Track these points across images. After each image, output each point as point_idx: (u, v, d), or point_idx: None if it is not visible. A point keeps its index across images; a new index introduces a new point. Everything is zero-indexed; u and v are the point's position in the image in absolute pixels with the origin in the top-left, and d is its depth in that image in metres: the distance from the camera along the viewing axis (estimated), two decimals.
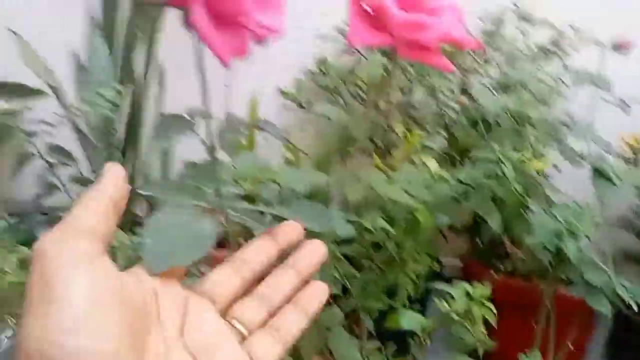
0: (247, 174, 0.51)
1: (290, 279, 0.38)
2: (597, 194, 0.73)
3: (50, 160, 0.85)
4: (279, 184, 0.52)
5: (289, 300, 0.38)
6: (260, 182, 0.51)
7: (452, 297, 0.53)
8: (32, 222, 1.07)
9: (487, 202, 0.55)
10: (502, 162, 0.53)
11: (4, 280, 0.77)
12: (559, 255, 0.80)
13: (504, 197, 0.56)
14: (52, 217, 1.03)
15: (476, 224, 1.04)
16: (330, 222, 0.45)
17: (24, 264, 0.81)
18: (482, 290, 0.51)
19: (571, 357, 0.86)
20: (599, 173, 0.73)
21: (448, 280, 0.97)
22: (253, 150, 1.03)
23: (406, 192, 0.51)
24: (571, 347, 0.81)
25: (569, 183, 0.87)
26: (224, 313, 0.35)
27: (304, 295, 0.38)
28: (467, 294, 0.52)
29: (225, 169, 0.55)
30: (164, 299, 0.32)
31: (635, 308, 0.76)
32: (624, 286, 0.77)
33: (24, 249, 0.94)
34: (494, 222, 0.57)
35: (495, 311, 0.52)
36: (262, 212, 0.50)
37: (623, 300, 0.77)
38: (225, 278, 0.36)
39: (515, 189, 0.55)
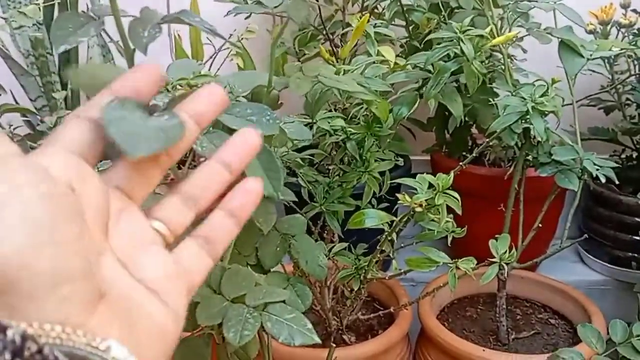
0: (177, 80, 0.46)
1: (218, 176, 0.33)
2: (565, 67, 0.70)
3: None
4: None
5: (218, 199, 0.33)
6: (193, 87, 0.46)
7: (416, 191, 0.51)
8: None
9: (448, 87, 0.50)
10: (461, 41, 0.49)
11: None
12: (526, 136, 0.78)
13: (466, 80, 0.52)
14: None
15: (443, 117, 1.01)
16: (277, 124, 0.41)
17: None
18: (444, 180, 0.49)
19: (542, 235, 0.87)
20: (567, 46, 0.69)
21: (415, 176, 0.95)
22: (200, 60, 0.96)
23: (359, 84, 0.46)
24: (540, 226, 0.82)
25: (537, 66, 0.84)
26: (146, 212, 0.31)
27: (234, 197, 0.33)
28: (430, 185, 0.49)
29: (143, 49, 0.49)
30: (83, 195, 0.27)
31: (602, 180, 0.76)
32: (592, 161, 0.76)
33: None
34: (456, 108, 0.54)
35: (458, 198, 0.50)
36: None
37: (591, 174, 0.76)
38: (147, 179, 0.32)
39: (477, 69, 0.51)
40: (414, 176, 1.02)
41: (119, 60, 0.99)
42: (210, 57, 1.00)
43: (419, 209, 0.49)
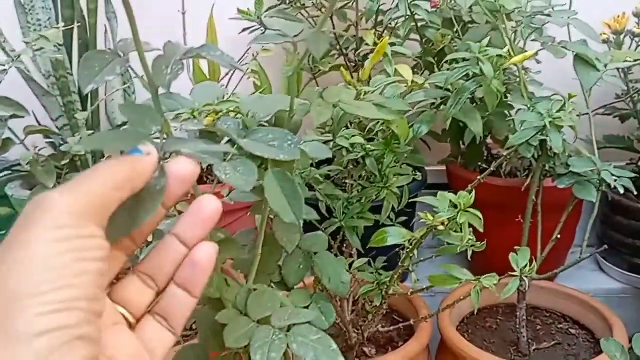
0: (204, 106, 0.47)
1: (174, 252, 0.33)
2: (581, 80, 0.70)
3: (1, 113, 0.80)
4: (242, 114, 0.48)
5: (174, 274, 0.33)
6: (219, 114, 0.47)
7: (436, 209, 0.51)
8: None
9: (467, 105, 0.51)
10: (480, 61, 0.49)
11: None
12: (543, 148, 0.79)
13: (485, 98, 0.52)
14: (18, 173, 0.99)
15: (458, 128, 1.01)
16: (298, 150, 0.42)
17: None
18: (465, 198, 0.49)
19: (560, 245, 0.87)
20: (581, 59, 0.69)
21: (435, 187, 0.96)
22: (217, 79, 0.97)
23: (379, 105, 0.47)
24: (559, 237, 0.82)
25: (551, 77, 0.84)
26: (108, 293, 0.33)
27: (183, 270, 0.33)
28: (452, 204, 0.50)
29: (182, 103, 0.50)
30: None
31: (621, 190, 0.76)
32: (609, 172, 0.76)
33: None
34: (476, 126, 0.54)
35: (480, 216, 0.51)
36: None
37: (609, 185, 0.76)
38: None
39: (496, 88, 0.52)
40: (430, 187, 1.03)
41: (139, 87, 1.01)
42: (227, 75, 1.02)
43: (441, 227, 0.50)
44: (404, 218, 0.77)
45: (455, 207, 0.50)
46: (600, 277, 1.12)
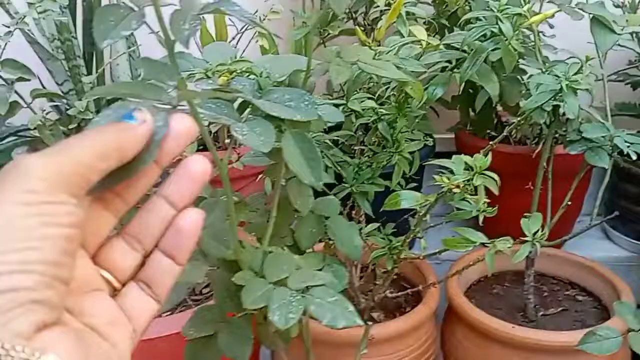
0: (218, 66, 0.46)
1: (162, 214, 0.32)
2: (597, 43, 0.69)
3: (7, 76, 0.78)
4: (255, 75, 0.47)
5: (160, 236, 0.32)
6: (234, 73, 0.46)
7: (452, 172, 0.51)
8: (4, 144, 1.02)
9: (483, 67, 0.50)
10: (499, 20, 0.48)
11: None
12: (555, 114, 0.78)
13: (502, 59, 0.51)
14: (24, 138, 0.98)
15: (468, 95, 1.00)
16: (315, 110, 0.41)
17: None
18: (481, 160, 0.49)
19: (568, 212, 0.87)
20: (598, 22, 0.68)
21: (442, 155, 0.95)
22: (224, 40, 0.96)
23: (395, 66, 0.46)
24: (569, 204, 0.82)
25: (563, 42, 0.82)
26: (93, 256, 0.31)
27: (169, 236, 0.32)
28: (467, 166, 0.49)
29: (194, 63, 0.50)
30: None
31: (633, 157, 0.75)
32: (622, 138, 0.75)
33: None
34: (492, 88, 0.53)
35: (497, 178, 0.50)
36: (240, 107, 0.46)
37: (621, 152, 0.76)
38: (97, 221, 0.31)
39: (515, 49, 0.50)
40: (438, 155, 1.02)
41: (145, 47, 0.99)
42: (234, 38, 1.00)
43: (456, 190, 0.49)
44: (413, 184, 0.76)
45: (471, 169, 0.50)
46: (607, 246, 1.13)
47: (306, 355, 0.59)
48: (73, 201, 0.27)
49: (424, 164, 0.65)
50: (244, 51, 0.90)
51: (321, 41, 1.00)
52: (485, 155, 0.49)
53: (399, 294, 0.86)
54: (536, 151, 0.84)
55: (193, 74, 0.47)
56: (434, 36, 0.68)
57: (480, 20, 0.50)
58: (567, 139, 0.78)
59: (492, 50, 0.51)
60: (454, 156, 0.52)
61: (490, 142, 0.67)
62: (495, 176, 0.51)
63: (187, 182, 0.31)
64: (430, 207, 0.55)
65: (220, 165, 0.47)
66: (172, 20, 0.36)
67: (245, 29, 0.94)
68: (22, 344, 0.24)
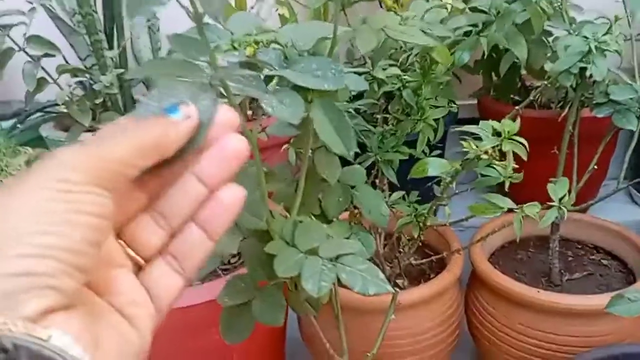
0: (243, 37, 0.46)
1: (193, 191, 0.31)
2: (625, 2, 0.67)
3: (33, 52, 0.79)
4: (280, 45, 0.47)
5: (192, 214, 0.31)
6: (259, 44, 0.46)
7: (478, 138, 0.51)
8: (32, 120, 1.04)
9: (511, 29, 0.49)
10: None
11: None
12: (582, 77, 0.76)
13: (532, 21, 0.50)
14: (51, 114, 1.00)
15: (490, 60, 0.98)
16: (343, 78, 0.41)
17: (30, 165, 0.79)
18: (510, 125, 0.48)
19: (594, 176, 0.86)
20: None
21: (466, 122, 0.94)
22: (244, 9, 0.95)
23: (422, 31, 0.45)
24: (596, 168, 0.81)
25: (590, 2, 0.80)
26: (118, 232, 0.30)
27: (207, 208, 0.31)
28: (495, 132, 0.49)
29: (219, 35, 0.49)
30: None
31: None
32: None
33: (28, 149, 0.92)
34: (520, 51, 0.52)
35: (525, 144, 0.50)
36: (267, 78, 0.46)
37: None
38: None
39: (543, 10, 0.49)
40: (461, 122, 1.01)
41: (163, 23, 0.99)
42: (252, 7, 0.99)
43: (484, 157, 0.49)
44: (437, 152, 0.76)
45: (499, 135, 0.49)
46: (633, 209, 1.12)
47: (335, 321, 0.60)
48: (105, 194, 0.26)
49: (449, 130, 0.65)
50: (264, 21, 0.89)
51: (342, 8, 0.99)
52: (513, 120, 0.49)
53: (423, 261, 0.87)
54: (562, 115, 0.83)
55: (218, 45, 0.47)
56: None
57: None
58: (594, 102, 0.77)
59: (521, 12, 0.50)
60: (481, 122, 0.51)
61: (516, 107, 0.66)
62: (524, 141, 0.50)
63: (223, 161, 0.30)
64: (457, 174, 0.55)
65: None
66: None
67: None
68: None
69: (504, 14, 0.49)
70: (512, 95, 1.02)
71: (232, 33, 0.49)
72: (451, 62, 0.53)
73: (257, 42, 0.46)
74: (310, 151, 0.54)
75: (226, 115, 0.31)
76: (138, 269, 0.31)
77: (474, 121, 1.16)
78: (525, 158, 0.51)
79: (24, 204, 0.25)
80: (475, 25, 0.56)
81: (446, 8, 0.54)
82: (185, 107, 0.30)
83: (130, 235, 0.31)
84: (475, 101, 1.10)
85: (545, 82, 0.63)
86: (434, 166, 0.54)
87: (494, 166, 0.51)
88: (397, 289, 0.83)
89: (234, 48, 0.47)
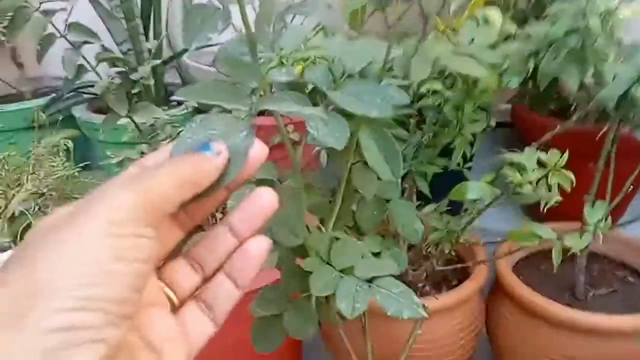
0: (292, 54, 0.46)
1: (225, 241, 0.32)
2: None
3: (73, 39, 0.80)
4: (327, 61, 0.46)
5: (223, 264, 0.33)
6: (309, 61, 0.46)
7: (524, 168, 0.50)
8: (66, 101, 1.05)
9: (567, 60, 0.48)
10: (586, 15, 0.46)
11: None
12: (625, 97, 0.75)
13: (587, 55, 0.49)
14: (84, 94, 1.01)
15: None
16: (390, 106, 0.41)
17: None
18: (557, 157, 0.48)
19: (625, 196, 0.85)
20: None
21: (499, 126, 0.93)
22: None
23: (472, 56, 0.45)
24: (632, 188, 0.80)
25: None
26: (157, 270, 0.32)
27: (235, 260, 0.32)
28: (540, 163, 0.48)
29: (269, 46, 0.49)
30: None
31: None
32: None
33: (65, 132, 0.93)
34: (572, 83, 0.51)
35: (572, 177, 0.49)
36: (311, 93, 0.46)
37: None
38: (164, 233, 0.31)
39: (599, 45, 0.48)
40: (495, 126, 0.99)
41: None
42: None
43: (528, 187, 0.49)
44: (469, 164, 0.76)
45: (544, 166, 0.49)
46: None
47: (362, 330, 0.61)
48: (149, 233, 0.27)
49: (501, 152, 0.64)
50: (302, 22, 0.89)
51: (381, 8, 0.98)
52: (563, 152, 0.48)
53: (448, 267, 0.87)
54: (601, 132, 0.81)
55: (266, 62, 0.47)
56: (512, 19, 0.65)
57: (564, 11, 0.48)
58: (635, 123, 0.76)
59: (576, 45, 0.49)
60: (526, 150, 0.51)
61: (557, 127, 0.65)
62: (571, 175, 0.50)
63: (253, 214, 0.32)
64: (495, 200, 0.55)
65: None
66: (256, 23, 0.37)
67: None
68: None
69: (558, 44, 0.48)
70: (548, 105, 1.00)
71: (280, 49, 0.49)
72: (499, 86, 0.52)
73: (305, 59, 0.46)
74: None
75: (258, 150, 0.32)
76: (172, 309, 0.32)
77: (508, 126, 1.16)
78: (569, 189, 0.51)
79: (70, 253, 0.25)
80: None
81: (496, 30, 0.53)
82: (217, 144, 0.31)
83: (168, 275, 0.32)
84: (510, 105, 1.09)
85: (577, 97, 0.61)
86: (474, 190, 0.54)
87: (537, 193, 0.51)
88: (420, 296, 0.83)
89: (282, 63, 0.47)
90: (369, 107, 0.42)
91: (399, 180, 0.42)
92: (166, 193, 0.28)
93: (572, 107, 0.76)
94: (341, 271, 0.46)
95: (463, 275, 0.85)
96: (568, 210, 0.72)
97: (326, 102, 0.44)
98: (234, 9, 0.37)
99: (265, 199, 0.32)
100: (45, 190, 0.68)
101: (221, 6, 0.37)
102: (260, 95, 0.38)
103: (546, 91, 0.98)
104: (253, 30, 0.36)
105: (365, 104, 0.42)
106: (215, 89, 0.39)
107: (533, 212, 0.82)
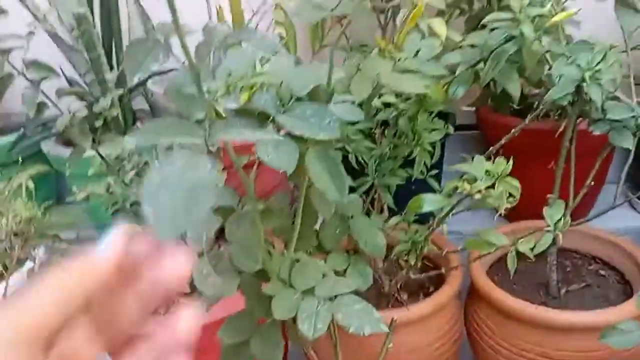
0: (238, 81, 0.46)
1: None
2: (622, 24, 0.67)
3: (32, 77, 0.80)
4: (275, 86, 0.47)
5: None
6: (255, 87, 0.46)
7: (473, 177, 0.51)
8: (33, 137, 1.05)
9: (504, 66, 0.49)
10: (520, 22, 0.47)
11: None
12: (579, 94, 0.76)
13: (526, 60, 0.51)
14: (50, 130, 1.00)
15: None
16: (337, 129, 0.42)
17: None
18: (502, 166, 0.49)
19: (591, 190, 0.87)
20: (623, 2, 0.66)
21: (464, 128, 0.94)
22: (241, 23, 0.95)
23: (415, 71, 0.46)
24: (592, 184, 0.81)
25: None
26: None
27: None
28: (488, 172, 0.49)
29: (218, 73, 0.50)
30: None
31: None
32: None
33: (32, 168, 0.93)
34: (513, 88, 0.53)
35: (518, 186, 0.51)
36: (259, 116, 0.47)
37: None
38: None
39: (536, 50, 0.50)
40: (458, 128, 1.00)
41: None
42: (250, 18, 0.99)
43: (478, 196, 0.50)
44: (434, 171, 0.77)
45: (492, 175, 0.50)
46: (632, 215, 1.12)
47: (334, 348, 0.61)
48: (46, 357, 0.24)
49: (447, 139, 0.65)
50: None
51: (338, 21, 0.99)
52: (508, 160, 0.50)
53: (422, 275, 0.87)
54: (559, 129, 0.83)
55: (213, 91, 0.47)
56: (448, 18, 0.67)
57: (502, 21, 0.50)
58: (592, 118, 0.77)
59: (514, 52, 0.50)
60: (475, 159, 0.52)
61: (526, 121, 0.66)
62: (517, 183, 0.51)
63: (171, 344, 0.28)
64: (452, 209, 0.56)
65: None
66: (197, 54, 0.37)
67: (263, 15, 0.94)
68: None
69: (498, 52, 0.49)
70: (510, 104, 1.02)
71: (229, 74, 0.49)
72: (444, 97, 0.53)
73: (251, 87, 0.47)
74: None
75: (183, 266, 0.28)
76: None
77: (472, 128, 1.17)
78: (517, 198, 0.52)
79: None
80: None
81: (441, 41, 0.55)
82: (107, 242, 0.27)
83: None
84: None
85: (541, 108, 0.63)
86: (430, 202, 0.55)
87: (489, 200, 0.52)
88: (396, 304, 0.84)
89: (228, 90, 0.48)
90: (316, 129, 0.43)
91: (362, 196, 0.43)
92: (51, 312, 0.25)
93: (534, 107, 0.77)
94: (303, 293, 0.47)
95: (440, 281, 0.86)
96: (536, 207, 0.73)
97: (276, 126, 0.45)
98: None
99: (187, 324, 0.28)
100: (11, 232, 0.68)
101: (162, 39, 0.38)
102: (209, 125, 0.38)
103: (507, 91, 1.00)
104: (194, 60, 0.36)
105: (313, 126, 0.43)
106: (167, 127, 0.39)
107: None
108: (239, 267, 0.46)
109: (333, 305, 0.45)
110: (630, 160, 0.79)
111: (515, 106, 1.05)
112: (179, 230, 0.32)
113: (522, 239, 0.59)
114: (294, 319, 0.54)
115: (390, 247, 0.87)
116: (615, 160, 1.03)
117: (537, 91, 0.99)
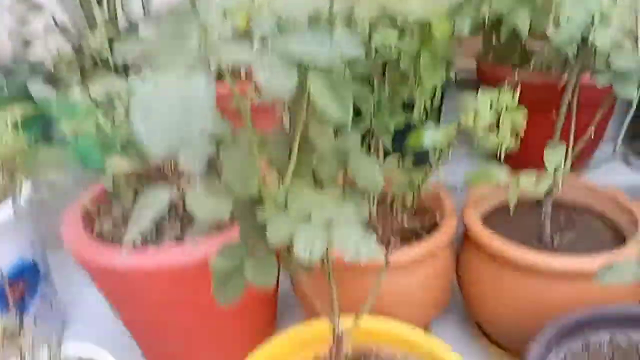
0: (236, 5, 0.45)
1: None
2: None
3: (19, 13, 0.78)
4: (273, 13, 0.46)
5: None
6: (253, 13, 0.45)
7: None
8: (19, 74, 1.02)
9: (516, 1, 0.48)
10: None
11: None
12: (584, 44, 0.75)
13: None
14: (37, 67, 0.98)
15: (491, 23, 0.97)
16: (337, 50, 0.41)
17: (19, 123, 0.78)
18: (508, 96, 0.48)
19: (588, 144, 0.86)
20: None
21: (464, 83, 0.93)
22: None
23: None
24: (592, 137, 0.81)
25: None
26: None
27: None
28: (493, 103, 0.49)
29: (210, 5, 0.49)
30: None
31: None
32: None
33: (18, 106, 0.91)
34: (522, 22, 0.51)
35: (525, 116, 0.50)
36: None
37: None
38: None
39: None
40: (458, 83, 1.00)
41: None
42: None
43: (481, 133, 0.49)
44: (432, 116, 0.76)
45: (498, 106, 0.49)
46: (627, 171, 1.12)
47: (327, 280, 0.61)
48: None
49: (446, 91, 0.64)
50: None
51: None
52: (513, 91, 0.49)
53: (416, 224, 0.88)
54: (562, 82, 0.82)
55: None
56: None
57: None
58: (596, 69, 0.76)
59: None
60: (479, 93, 0.51)
61: (513, 71, 0.65)
62: (522, 115, 0.50)
63: None
64: (452, 145, 0.55)
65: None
66: None
67: None
68: None
69: None
70: (511, 58, 1.01)
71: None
72: (450, 32, 0.52)
73: (248, 13, 0.46)
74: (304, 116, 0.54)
75: None
76: None
77: (473, 83, 1.16)
78: (524, 128, 0.51)
79: None
80: None
81: None
82: None
83: None
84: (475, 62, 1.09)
85: (539, 48, 0.62)
86: (429, 137, 0.54)
87: (492, 138, 0.51)
88: (390, 250, 0.84)
89: (225, 18, 0.47)
90: (316, 54, 0.42)
91: (349, 122, 0.42)
92: None
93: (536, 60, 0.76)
94: (299, 217, 0.47)
95: (433, 228, 0.87)
96: (536, 160, 0.73)
97: (275, 52, 0.44)
98: None
99: None
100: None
101: None
102: (204, 45, 0.37)
103: (510, 45, 0.99)
104: None
105: (313, 52, 0.42)
106: (156, 44, 0.38)
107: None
108: (232, 188, 0.45)
109: (330, 230, 0.45)
110: (632, 112, 0.79)
111: (517, 60, 1.04)
112: (173, 145, 0.31)
113: (523, 174, 0.58)
114: (288, 248, 0.55)
115: (385, 195, 0.88)
116: (616, 118, 1.03)
117: (538, 48, 0.98)
